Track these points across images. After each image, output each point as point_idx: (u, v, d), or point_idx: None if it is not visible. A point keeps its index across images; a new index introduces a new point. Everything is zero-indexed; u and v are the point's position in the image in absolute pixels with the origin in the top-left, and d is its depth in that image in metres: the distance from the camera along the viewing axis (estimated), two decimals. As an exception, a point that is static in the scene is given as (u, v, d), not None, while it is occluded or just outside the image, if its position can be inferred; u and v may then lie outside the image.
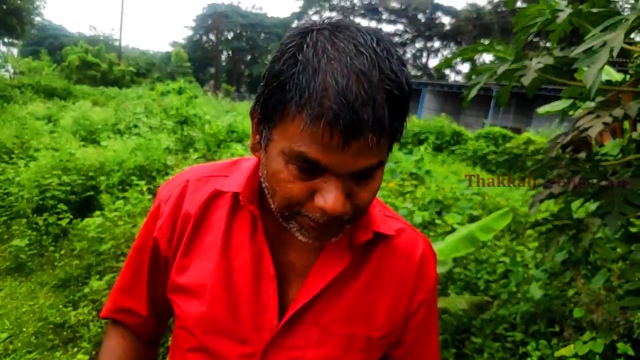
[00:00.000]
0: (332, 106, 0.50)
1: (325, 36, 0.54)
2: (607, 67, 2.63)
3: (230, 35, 50.14)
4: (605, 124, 1.87)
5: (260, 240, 0.69)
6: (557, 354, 2.26)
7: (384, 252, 0.74)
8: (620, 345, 2.07)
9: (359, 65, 0.51)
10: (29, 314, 2.91)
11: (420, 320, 0.77)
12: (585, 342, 2.19)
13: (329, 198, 0.55)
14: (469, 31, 38.33)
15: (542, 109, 2.91)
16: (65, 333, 2.75)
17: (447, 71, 37.89)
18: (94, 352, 2.56)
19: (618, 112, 1.89)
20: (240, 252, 0.70)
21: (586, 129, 1.87)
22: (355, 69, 0.51)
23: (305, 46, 0.53)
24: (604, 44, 1.44)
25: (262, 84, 0.58)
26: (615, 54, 1.41)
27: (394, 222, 0.77)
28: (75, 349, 2.64)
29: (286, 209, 0.60)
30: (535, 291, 2.56)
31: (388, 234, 0.73)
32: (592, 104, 2.23)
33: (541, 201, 2.31)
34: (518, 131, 15.27)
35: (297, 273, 0.71)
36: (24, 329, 2.63)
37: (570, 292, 2.50)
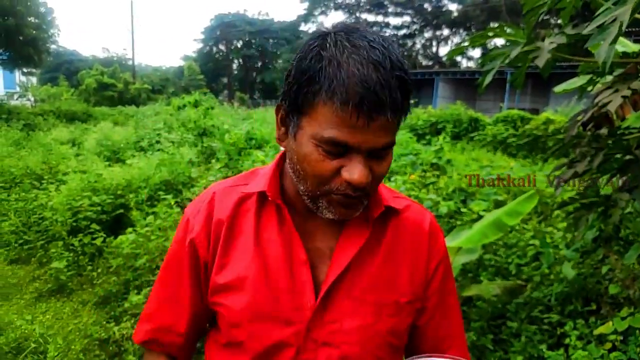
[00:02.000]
0: (358, 90, 0.61)
1: (342, 36, 0.65)
2: (623, 39, 2.60)
3: (239, 44, 50.51)
4: (624, 97, 1.87)
5: (288, 230, 0.78)
6: (596, 332, 2.25)
7: (397, 226, 0.82)
8: (659, 318, 2.05)
9: (374, 56, 0.63)
10: (75, 332, 3.02)
11: (438, 285, 0.84)
12: (623, 318, 2.18)
13: (356, 172, 0.66)
14: (477, 16, 37.84)
15: (558, 88, 2.89)
16: (110, 348, 2.85)
17: (458, 58, 37.51)
18: (140, 363, 2.66)
19: (637, 84, 1.89)
20: (271, 244, 0.78)
21: (605, 104, 1.87)
22: (372, 60, 0.62)
23: (327, 45, 0.65)
24: (615, 19, 1.45)
25: (288, 81, 0.68)
26: (624, 27, 1.42)
27: (401, 200, 0.86)
28: (122, 363, 2.74)
29: (317, 187, 0.70)
30: (568, 271, 2.55)
31: (397, 208, 0.82)
32: (610, 78, 2.22)
33: (566, 181, 2.30)
34: (536, 112, 15.04)
35: (323, 256, 0.79)
36: (72, 347, 2.73)
37: (604, 269, 2.49)
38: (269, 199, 0.79)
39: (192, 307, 0.83)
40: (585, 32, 1.71)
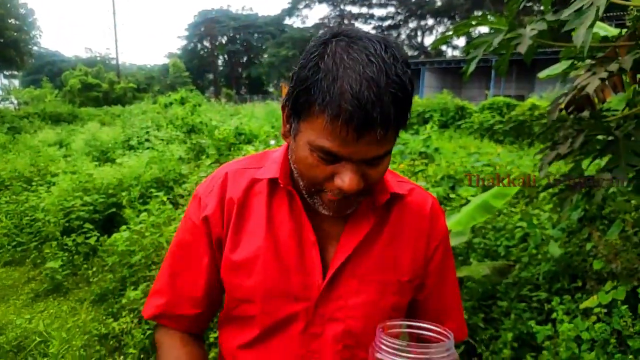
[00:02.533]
0: (348, 107, 0.62)
1: (342, 47, 0.66)
2: (601, 24, 2.67)
3: (224, 40, 50.23)
4: (601, 79, 1.94)
5: (299, 213, 0.83)
6: (582, 306, 2.34)
7: (401, 210, 0.88)
8: (641, 290, 2.14)
9: (370, 73, 0.63)
10: (74, 329, 3.05)
11: (438, 263, 0.90)
12: (607, 292, 2.26)
13: (346, 179, 0.70)
14: (461, 5, 37.97)
15: (542, 74, 2.96)
16: (111, 342, 2.89)
17: (443, 47, 37.62)
18: (141, 355, 2.70)
19: (613, 66, 1.95)
20: (282, 227, 0.83)
21: (584, 87, 1.94)
22: (367, 76, 0.63)
23: (326, 56, 0.66)
24: (591, 3, 1.51)
25: (291, 85, 0.71)
26: (601, 12, 1.48)
27: (405, 184, 0.91)
28: (122, 357, 2.78)
29: (312, 187, 0.75)
30: (554, 249, 2.64)
31: (402, 193, 0.87)
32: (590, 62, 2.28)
33: (550, 163, 2.37)
34: (522, 98, 15.19)
35: (331, 238, 0.84)
36: (73, 343, 2.77)
37: (588, 246, 2.58)
38: (281, 185, 0.83)
39: (208, 279, 0.87)
40: (562, 17, 1.77)
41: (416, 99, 14.04)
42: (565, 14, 1.72)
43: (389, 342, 0.65)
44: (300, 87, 0.68)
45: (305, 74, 0.67)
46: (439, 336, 0.70)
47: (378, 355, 0.66)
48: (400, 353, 0.64)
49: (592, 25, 1.53)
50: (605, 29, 2.62)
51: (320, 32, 0.73)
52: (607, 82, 2.51)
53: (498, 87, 23.86)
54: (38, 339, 2.80)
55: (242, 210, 0.84)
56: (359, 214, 0.84)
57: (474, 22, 2.25)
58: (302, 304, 0.81)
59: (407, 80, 0.67)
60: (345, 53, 0.65)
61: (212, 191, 0.87)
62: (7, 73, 24.19)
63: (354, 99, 0.62)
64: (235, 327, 0.88)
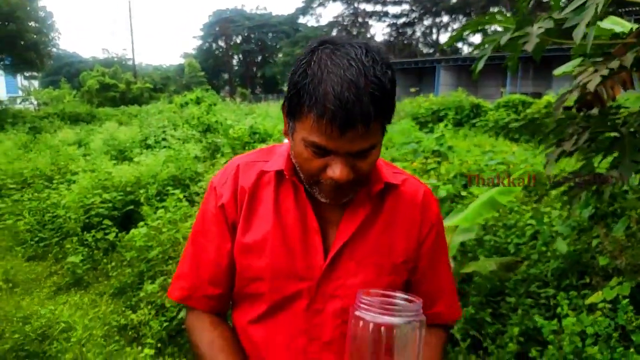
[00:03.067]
0: (331, 107, 0.72)
1: (327, 54, 0.75)
2: (618, 19, 2.68)
3: (238, 39, 50.57)
4: (602, 76, 1.97)
5: (303, 202, 0.92)
6: (587, 301, 2.37)
7: (395, 199, 0.96)
8: (646, 285, 2.17)
9: (350, 75, 0.72)
10: (95, 320, 3.18)
11: (430, 247, 0.98)
12: (612, 288, 2.30)
13: (337, 170, 0.79)
14: (477, 1, 37.65)
15: (557, 71, 2.97)
16: (130, 333, 3.01)
17: (459, 44, 37.38)
18: (159, 345, 2.81)
19: (614, 63, 1.99)
20: (288, 214, 0.92)
21: (585, 84, 1.97)
22: (347, 79, 0.72)
23: (312, 62, 0.75)
24: (587, 1, 1.55)
25: (287, 88, 0.81)
26: (600, 10, 1.53)
27: (399, 175, 0.99)
28: (140, 347, 2.89)
29: (310, 178, 0.85)
30: (562, 246, 2.67)
31: (396, 182, 0.95)
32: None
33: (557, 160, 2.41)
34: (539, 96, 15.05)
35: (332, 224, 0.93)
36: (94, 333, 2.89)
37: (594, 242, 2.61)
38: (286, 177, 0.92)
39: (228, 261, 0.95)
40: (562, 15, 1.81)
41: (431, 97, 14.01)
42: (565, 11, 1.76)
43: (367, 300, 0.77)
44: (292, 91, 0.78)
45: (296, 79, 0.77)
46: (410, 302, 0.81)
47: (357, 313, 0.77)
48: (376, 308, 0.75)
49: (593, 23, 1.57)
50: (622, 25, 2.62)
51: (310, 41, 0.82)
52: (616, 79, 2.54)
53: (515, 85, 23.65)
54: (62, 327, 2.93)
55: (252, 199, 0.93)
56: (356, 203, 0.92)
57: (482, 21, 2.29)
58: (306, 283, 0.90)
59: (387, 80, 0.75)
60: (329, 59, 0.74)
61: (227, 182, 0.96)
62: (27, 74, 24.64)
63: (336, 99, 0.71)
64: (245, 304, 0.96)
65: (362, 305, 0.77)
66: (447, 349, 2.46)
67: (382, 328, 0.75)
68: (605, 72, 1.90)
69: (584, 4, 1.64)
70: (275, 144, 1.03)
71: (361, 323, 0.77)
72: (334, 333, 0.90)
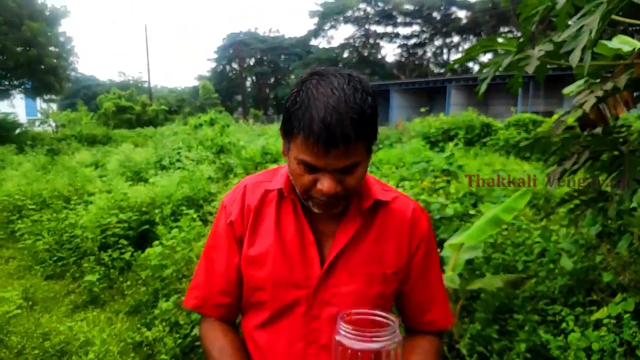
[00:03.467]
0: (316, 130, 0.83)
1: (313, 84, 0.87)
2: (627, 38, 2.73)
3: (252, 62, 51.36)
4: (597, 97, 2.04)
5: (300, 218, 1.02)
6: (593, 317, 2.41)
7: (385, 215, 1.05)
8: (649, 301, 2.21)
9: (332, 102, 0.84)
10: (111, 337, 3.26)
11: (420, 259, 1.06)
12: (617, 303, 2.33)
13: (325, 184, 0.89)
14: (487, 21, 37.92)
15: (567, 90, 3.03)
16: (145, 350, 3.08)
17: (470, 64, 37.54)
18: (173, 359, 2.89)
19: (608, 85, 2.06)
20: (288, 228, 1.02)
21: (582, 105, 2.04)
22: (330, 106, 0.83)
23: (301, 92, 0.87)
24: (582, 27, 1.64)
25: (282, 114, 0.93)
26: (593, 35, 1.61)
27: (390, 193, 1.08)
28: (155, 363, 2.97)
29: (303, 193, 0.95)
30: (566, 263, 2.71)
31: (385, 199, 1.04)
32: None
33: (559, 178, 2.47)
34: (550, 114, 15.05)
35: (327, 237, 1.02)
36: (110, 349, 2.97)
37: (598, 259, 2.64)
38: (285, 195, 1.03)
39: (237, 272, 1.05)
40: (557, 40, 1.89)
41: (441, 116, 14.09)
42: (562, 37, 1.84)
43: (345, 327, 0.84)
44: (286, 116, 0.90)
45: (288, 105, 0.89)
46: (387, 320, 0.88)
47: (337, 337, 0.84)
48: (354, 334, 0.82)
49: (589, 47, 1.65)
50: (631, 44, 2.66)
51: (301, 74, 0.94)
52: (618, 99, 2.60)
53: (526, 104, 23.64)
54: (80, 344, 3.02)
55: (257, 215, 1.04)
56: (348, 217, 1.02)
57: (486, 44, 2.38)
58: (304, 291, 0.99)
59: (366, 106, 0.86)
60: (315, 88, 0.86)
61: (235, 201, 1.07)
62: (46, 97, 25.30)
63: (320, 123, 0.83)
64: (251, 312, 1.06)
65: (341, 331, 0.84)
66: (442, 353, 2.49)
67: (359, 353, 0.82)
68: (600, 93, 1.97)
69: (581, 28, 1.72)
70: (281, 165, 1.13)
71: (340, 348, 0.83)
72: (331, 337, 0.97)
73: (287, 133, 0.91)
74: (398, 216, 1.06)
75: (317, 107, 0.84)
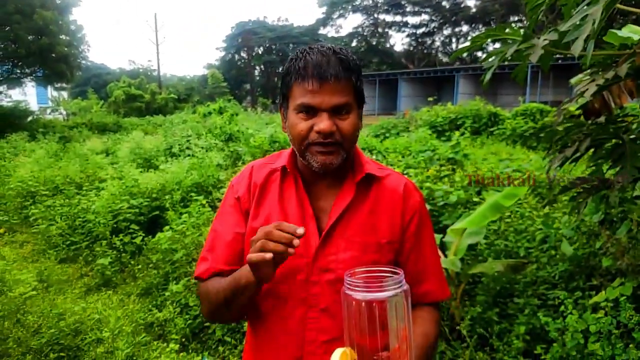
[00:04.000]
0: (309, 70, 0.99)
1: (306, 49, 1.05)
2: (635, 27, 2.75)
3: (260, 50, 51.24)
4: (598, 85, 2.08)
5: (301, 193, 1.11)
6: (591, 301, 2.47)
7: (378, 189, 1.13)
8: (645, 285, 2.27)
9: (321, 50, 1.02)
10: (123, 318, 3.38)
11: (414, 231, 1.14)
12: (615, 288, 2.39)
13: (322, 123, 1.00)
14: (496, 10, 37.48)
15: (574, 79, 3.07)
16: (156, 330, 3.20)
17: (478, 53, 37.17)
18: (183, 340, 2.99)
19: (610, 74, 2.09)
20: (290, 203, 1.11)
21: (583, 93, 2.09)
22: (320, 52, 1.01)
23: (295, 57, 1.04)
24: (586, 16, 1.68)
25: (279, 87, 1.08)
26: (597, 25, 1.65)
27: (383, 170, 1.17)
28: (165, 343, 3.08)
29: (301, 143, 1.04)
30: (567, 248, 2.76)
31: (377, 174, 1.13)
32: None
33: (560, 166, 2.51)
34: (558, 104, 14.91)
35: (325, 210, 1.11)
36: (123, 329, 3.08)
37: (597, 244, 2.70)
38: (288, 171, 1.12)
39: (243, 243, 1.12)
40: (560, 29, 1.93)
41: (449, 105, 14.06)
42: (564, 26, 1.88)
43: (351, 280, 0.89)
44: (284, 77, 1.06)
45: (285, 66, 1.06)
46: (391, 273, 0.92)
47: (344, 291, 0.89)
48: (360, 286, 0.87)
49: (592, 37, 1.68)
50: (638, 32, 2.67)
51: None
52: (623, 87, 2.64)
53: (535, 93, 23.47)
54: (94, 323, 3.14)
55: (262, 191, 1.14)
56: (343, 191, 1.11)
57: (491, 33, 2.41)
58: (304, 259, 1.07)
59: (350, 56, 1.03)
60: (307, 49, 1.04)
61: (243, 179, 1.17)
62: (57, 86, 25.47)
63: (313, 63, 0.99)
64: None
65: (347, 285, 0.89)
66: (441, 325, 2.58)
67: (374, 304, 0.85)
68: (601, 81, 2.01)
69: (584, 17, 1.75)
70: (283, 150, 1.22)
71: (354, 303, 0.87)
72: (329, 300, 1.07)
73: (286, 93, 1.05)
74: (391, 190, 1.14)
75: (310, 55, 1.01)
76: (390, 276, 0.90)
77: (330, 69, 0.99)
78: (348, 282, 0.89)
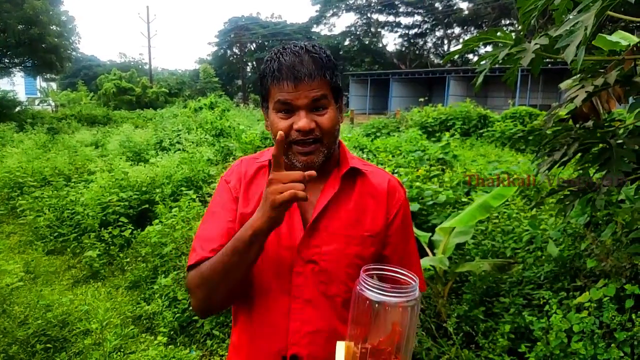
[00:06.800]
0: (284, 70, 1.02)
1: (279, 49, 1.09)
2: (626, 34, 2.80)
3: (253, 47, 51.04)
4: (588, 92, 2.12)
5: None
6: (575, 302, 2.52)
7: (363, 184, 1.16)
8: (628, 287, 2.32)
9: (294, 50, 1.05)
10: (111, 311, 3.37)
11: (398, 226, 1.17)
12: (599, 289, 2.44)
13: (300, 121, 1.03)
14: (488, 13, 37.73)
15: (563, 84, 3.12)
16: (144, 322, 3.20)
17: (470, 55, 37.37)
18: (171, 333, 3.00)
19: (599, 80, 2.14)
20: None
21: (573, 99, 2.13)
22: (293, 51, 1.05)
23: (272, 53, 1.08)
24: (578, 23, 1.71)
25: (259, 90, 1.10)
26: (589, 32, 1.68)
27: (368, 166, 1.21)
28: (154, 335, 3.08)
29: (283, 142, 1.03)
30: (553, 249, 2.81)
31: (362, 169, 1.17)
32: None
33: (549, 169, 2.56)
34: (547, 108, 15.08)
35: (310, 203, 1.13)
36: (111, 321, 3.08)
37: (583, 246, 2.75)
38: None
39: (233, 230, 1.13)
40: (553, 35, 1.97)
41: (439, 107, 14.14)
42: (557, 32, 1.91)
43: (367, 279, 0.88)
44: (261, 79, 1.10)
45: (261, 69, 1.09)
46: (407, 279, 0.93)
47: (358, 288, 0.89)
48: (376, 287, 0.87)
49: (583, 43, 1.72)
50: (629, 39, 2.72)
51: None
52: (611, 93, 2.68)
53: (524, 97, 23.69)
54: (81, 315, 3.13)
55: (251, 181, 1.17)
56: (328, 185, 1.13)
57: (482, 37, 2.45)
58: (289, 250, 1.09)
59: (323, 53, 1.06)
60: (280, 49, 1.08)
61: (233, 172, 1.21)
62: (47, 76, 25.15)
63: (287, 64, 1.03)
64: None
65: (362, 283, 0.88)
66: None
67: (376, 305, 0.85)
68: (590, 88, 2.05)
69: (576, 24, 1.79)
70: (271, 147, 1.24)
71: (361, 299, 0.87)
72: (313, 292, 1.09)
73: (265, 94, 1.09)
74: (375, 185, 1.17)
75: (283, 56, 1.05)
76: (405, 278, 0.93)
77: (304, 68, 1.02)
78: (363, 279, 0.89)
